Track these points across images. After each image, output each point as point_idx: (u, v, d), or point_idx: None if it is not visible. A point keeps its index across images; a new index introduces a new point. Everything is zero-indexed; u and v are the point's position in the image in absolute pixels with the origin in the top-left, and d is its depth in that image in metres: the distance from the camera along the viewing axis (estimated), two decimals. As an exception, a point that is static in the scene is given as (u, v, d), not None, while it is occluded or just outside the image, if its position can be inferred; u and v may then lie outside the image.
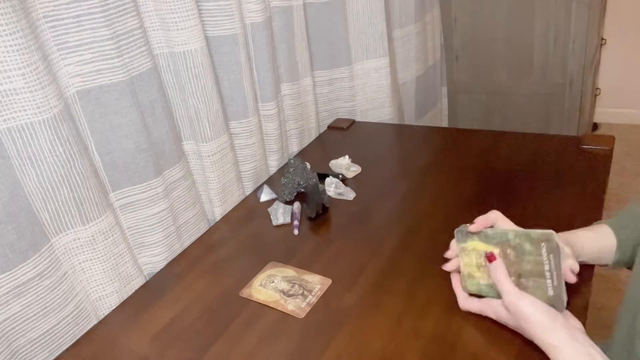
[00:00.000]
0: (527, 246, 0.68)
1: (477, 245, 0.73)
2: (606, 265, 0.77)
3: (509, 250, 0.70)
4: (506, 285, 0.66)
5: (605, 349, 0.64)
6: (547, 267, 0.66)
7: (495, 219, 0.75)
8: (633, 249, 0.72)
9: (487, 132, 1.26)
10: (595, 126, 2.81)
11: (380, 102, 1.48)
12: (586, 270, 0.78)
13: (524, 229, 0.72)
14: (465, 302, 0.74)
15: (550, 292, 0.66)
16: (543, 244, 0.66)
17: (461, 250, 0.75)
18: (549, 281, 0.66)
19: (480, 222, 0.74)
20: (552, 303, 0.65)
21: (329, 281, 0.84)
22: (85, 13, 0.77)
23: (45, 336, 0.78)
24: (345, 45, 1.39)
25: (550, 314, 0.63)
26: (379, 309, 0.78)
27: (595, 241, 0.75)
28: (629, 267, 0.76)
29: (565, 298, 0.66)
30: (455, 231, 0.76)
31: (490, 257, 0.70)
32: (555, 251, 0.66)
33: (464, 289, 0.75)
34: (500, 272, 0.68)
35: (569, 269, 0.69)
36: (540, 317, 0.63)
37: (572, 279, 0.68)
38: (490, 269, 0.69)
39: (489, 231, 0.72)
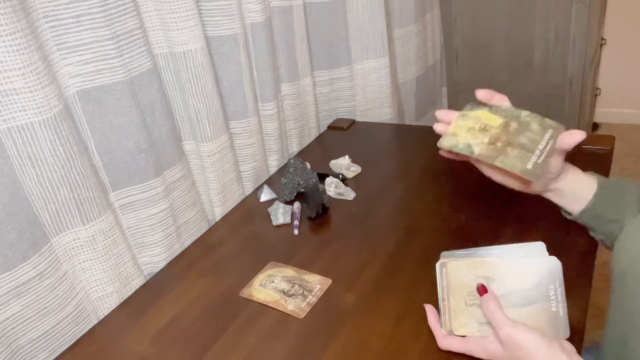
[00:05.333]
0: (535, 125, 0.68)
1: (482, 115, 0.71)
2: (569, 215, 0.75)
3: (513, 122, 0.69)
4: (500, 317, 0.62)
5: (597, 349, 0.64)
6: (541, 147, 0.66)
7: (501, 99, 0.73)
8: (599, 215, 0.72)
9: (487, 132, 1.25)
10: (595, 126, 2.81)
11: (380, 102, 1.48)
12: (586, 270, 0.78)
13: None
14: (445, 342, 0.68)
15: (529, 166, 0.65)
16: (550, 129, 0.67)
17: (460, 116, 0.73)
18: (534, 157, 0.66)
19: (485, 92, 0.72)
20: (526, 175, 0.65)
21: (329, 281, 0.85)
22: (85, 13, 0.77)
23: (45, 336, 0.78)
24: (345, 45, 1.39)
25: (547, 341, 0.60)
26: (379, 309, 0.78)
27: (581, 180, 0.74)
28: (587, 228, 0.76)
29: (540, 174, 0.66)
30: (439, 265, 0.70)
31: (481, 290, 0.66)
32: (554, 140, 0.66)
33: (439, 144, 0.72)
34: (492, 304, 0.63)
35: (572, 134, 0.68)
36: (539, 345, 0.60)
37: (579, 135, 0.67)
38: (482, 300, 0.65)
39: (503, 105, 0.71)
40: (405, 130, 1.43)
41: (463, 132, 0.71)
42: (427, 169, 1.14)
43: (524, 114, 0.69)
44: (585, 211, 0.73)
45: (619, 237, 0.67)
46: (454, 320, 0.68)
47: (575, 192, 0.73)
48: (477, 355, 0.66)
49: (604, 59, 2.66)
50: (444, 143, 0.72)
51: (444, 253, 0.70)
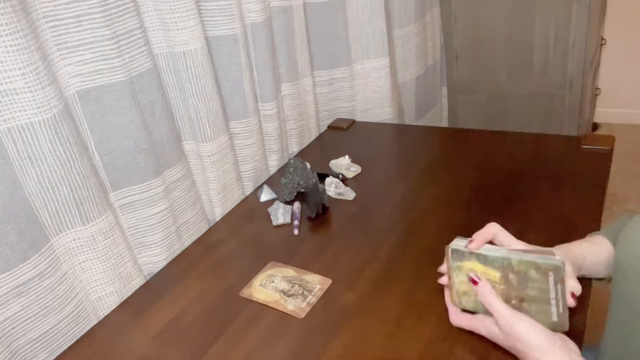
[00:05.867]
0: (533, 273, 0.64)
1: (475, 267, 0.68)
2: (604, 280, 0.74)
3: (511, 275, 0.66)
4: (498, 307, 0.63)
5: (596, 348, 0.63)
6: (552, 295, 0.64)
7: (495, 234, 0.70)
8: None
9: (487, 132, 1.26)
10: (595, 126, 2.81)
11: (380, 102, 1.48)
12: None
13: (527, 247, 0.68)
14: (457, 318, 0.71)
15: (554, 319, 0.64)
16: (550, 273, 0.63)
17: (456, 268, 0.70)
18: (553, 308, 0.64)
19: (480, 238, 0.69)
20: (555, 329, 0.63)
21: (329, 281, 0.84)
22: (85, 13, 0.77)
23: (45, 336, 0.78)
24: (345, 45, 1.39)
25: (549, 336, 0.60)
26: (378, 309, 0.78)
27: (595, 253, 0.72)
28: None
29: (567, 324, 0.64)
30: (447, 248, 0.70)
31: (474, 281, 0.66)
32: (562, 280, 0.63)
33: (459, 305, 0.71)
34: (489, 294, 0.64)
35: (570, 291, 0.66)
36: (539, 340, 0.60)
37: (572, 303, 0.65)
38: (478, 292, 0.66)
39: (489, 253, 0.67)
40: (405, 130, 1.43)
41: (471, 288, 0.69)
42: (427, 169, 1.14)
43: (514, 261, 0.65)
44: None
45: (622, 232, 0.67)
46: (461, 296, 0.70)
47: (596, 263, 0.73)
48: (481, 333, 0.67)
49: (604, 59, 2.66)
50: (466, 305, 0.70)
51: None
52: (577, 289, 0.65)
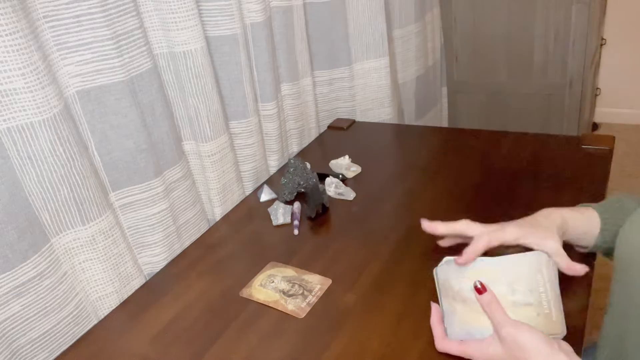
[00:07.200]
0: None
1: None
2: (585, 248, 0.76)
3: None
4: (500, 316, 0.62)
5: (593, 350, 0.63)
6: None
7: (463, 229, 0.74)
8: (614, 237, 0.71)
9: (487, 132, 1.26)
10: (595, 126, 2.81)
11: (380, 102, 1.48)
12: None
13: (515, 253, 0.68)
14: (443, 343, 0.68)
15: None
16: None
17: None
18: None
19: (469, 251, 0.69)
20: (556, 331, 0.64)
21: (329, 281, 0.85)
22: (85, 13, 0.77)
23: (45, 336, 0.78)
24: (345, 45, 1.39)
25: (548, 341, 0.60)
26: (379, 309, 0.78)
27: (582, 222, 0.74)
28: (606, 254, 0.75)
29: (565, 329, 0.65)
30: (436, 271, 0.70)
31: (479, 289, 0.65)
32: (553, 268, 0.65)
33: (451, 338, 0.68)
34: (493, 303, 0.63)
35: (571, 267, 0.69)
36: (540, 346, 0.59)
37: (581, 270, 0.68)
38: (482, 301, 0.64)
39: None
40: (405, 130, 1.43)
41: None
42: (427, 169, 1.14)
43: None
44: (598, 243, 0.74)
45: (622, 227, 0.67)
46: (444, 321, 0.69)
47: (582, 233, 0.74)
48: (473, 358, 0.65)
49: (604, 59, 2.66)
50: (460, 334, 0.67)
51: (446, 258, 0.70)
52: (572, 265, 0.69)
